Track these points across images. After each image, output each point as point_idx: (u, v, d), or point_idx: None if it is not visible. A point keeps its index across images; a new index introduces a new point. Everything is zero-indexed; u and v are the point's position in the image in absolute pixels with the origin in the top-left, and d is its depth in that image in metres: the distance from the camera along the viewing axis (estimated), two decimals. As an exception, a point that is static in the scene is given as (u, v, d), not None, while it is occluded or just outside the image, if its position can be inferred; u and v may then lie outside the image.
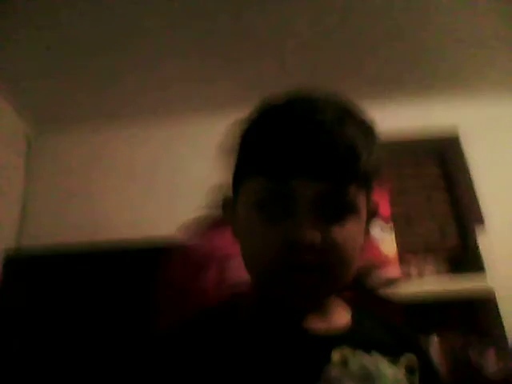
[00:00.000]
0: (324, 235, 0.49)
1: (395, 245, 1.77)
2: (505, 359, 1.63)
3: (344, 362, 0.50)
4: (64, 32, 1.59)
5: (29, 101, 1.95)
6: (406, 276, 1.77)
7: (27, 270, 1.76)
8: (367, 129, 0.55)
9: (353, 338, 0.54)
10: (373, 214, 0.58)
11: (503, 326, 1.69)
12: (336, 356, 0.50)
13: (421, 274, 1.82)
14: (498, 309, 1.72)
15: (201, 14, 1.55)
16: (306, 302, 0.52)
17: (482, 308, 1.83)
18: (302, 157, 0.49)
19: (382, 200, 1.81)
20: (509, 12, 1.61)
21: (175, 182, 2.01)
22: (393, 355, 0.54)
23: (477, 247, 1.83)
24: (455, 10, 1.61)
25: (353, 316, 0.59)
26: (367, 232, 0.57)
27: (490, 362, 1.61)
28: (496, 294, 1.73)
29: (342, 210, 0.51)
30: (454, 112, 2.08)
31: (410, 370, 0.54)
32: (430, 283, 1.76)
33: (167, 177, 2.03)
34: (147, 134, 2.11)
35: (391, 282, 1.36)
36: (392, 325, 0.62)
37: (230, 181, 0.60)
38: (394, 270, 1.72)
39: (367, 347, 0.53)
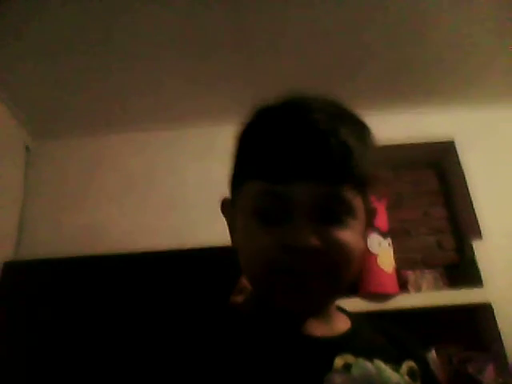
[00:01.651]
0: (323, 238, 0.49)
1: (393, 259, 1.77)
2: (504, 375, 1.61)
3: (347, 369, 0.49)
4: (61, 40, 1.60)
5: (27, 109, 1.93)
6: (404, 290, 1.76)
7: (25, 277, 1.74)
8: (362, 130, 0.55)
9: (354, 344, 0.53)
10: (371, 216, 0.58)
11: (502, 341, 1.68)
12: (339, 362, 0.49)
13: (418, 288, 1.81)
14: (496, 323, 1.71)
15: (198, 19, 1.56)
16: (307, 307, 0.52)
17: (480, 322, 1.82)
18: (297, 159, 0.49)
19: (380, 214, 1.81)
20: (505, 19, 1.63)
21: (173, 189, 1.99)
22: (394, 362, 0.54)
23: (474, 261, 1.82)
24: (451, 19, 1.62)
25: (352, 324, 0.59)
26: (367, 235, 0.57)
27: (490, 378, 1.59)
28: (494, 308, 1.72)
29: (340, 212, 0.51)
30: (450, 122, 2.08)
31: (412, 377, 0.54)
32: (427, 297, 1.75)
33: (165, 184, 2.01)
34: (146, 140, 2.10)
35: None
36: (392, 333, 0.61)
37: (228, 185, 0.60)
38: (392, 285, 1.72)
39: (369, 354, 0.52)
